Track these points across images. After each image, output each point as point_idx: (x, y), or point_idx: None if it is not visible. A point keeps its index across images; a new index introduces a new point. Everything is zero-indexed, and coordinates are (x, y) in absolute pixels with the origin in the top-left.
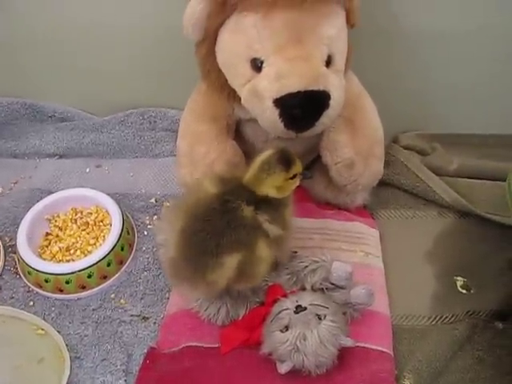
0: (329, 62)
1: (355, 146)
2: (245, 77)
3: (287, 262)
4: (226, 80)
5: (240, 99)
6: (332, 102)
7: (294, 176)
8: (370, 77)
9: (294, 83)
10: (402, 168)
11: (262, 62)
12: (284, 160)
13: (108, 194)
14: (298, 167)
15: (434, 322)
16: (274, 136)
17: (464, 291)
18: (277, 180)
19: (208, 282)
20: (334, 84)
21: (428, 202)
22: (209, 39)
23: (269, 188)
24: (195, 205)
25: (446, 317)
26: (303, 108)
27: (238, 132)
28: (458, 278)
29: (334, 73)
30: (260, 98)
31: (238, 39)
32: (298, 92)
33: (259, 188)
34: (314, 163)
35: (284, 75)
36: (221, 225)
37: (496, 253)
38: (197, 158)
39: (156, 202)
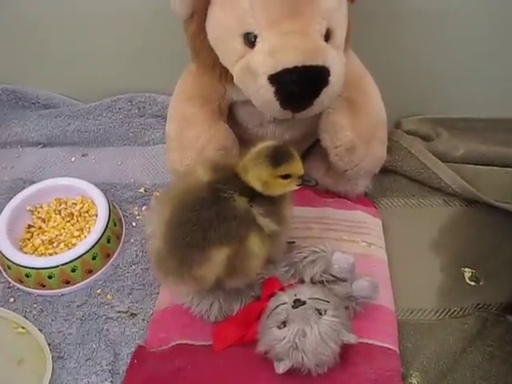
0: (328, 37)
1: (356, 129)
2: (237, 53)
3: (281, 258)
4: (218, 58)
5: (232, 79)
6: (332, 79)
7: (288, 176)
8: (371, 59)
9: (291, 58)
10: (406, 154)
11: (255, 37)
12: (276, 155)
13: (95, 184)
14: (294, 168)
15: (441, 316)
16: (270, 118)
17: (472, 283)
18: (261, 173)
19: (195, 276)
20: (334, 59)
21: (433, 189)
22: (198, 14)
23: (254, 180)
24: (184, 193)
25: (455, 310)
26: (300, 85)
27: (232, 115)
28: (466, 270)
29: (333, 48)
30: (254, 76)
31: (230, 13)
32: (295, 67)
33: (246, 178)
34: (312, 148)
35: (279, 50)
36: (209, 216)
37: (505, 242)
38: (187, 143)
39: (145, 191)
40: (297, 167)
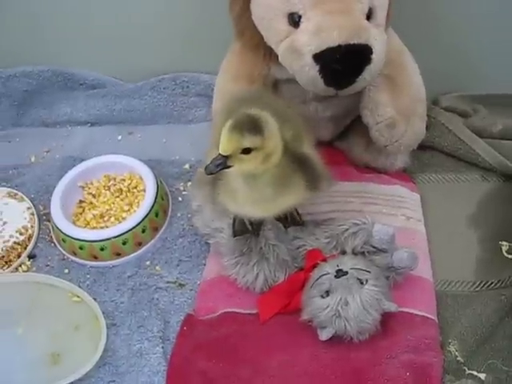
0: (369, 16)
1: (397, 105)
2: (282, 33)
3: None
4: (262, 38)
5: (276, 58)
6: (374, 57)
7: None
8: (409, 36)
9: (334, 37)
10: (443, 130)
11: (299, 17)
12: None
13: (141, 161)
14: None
15: (478, 288)
16: (312, 96)
17: (510, 256)
18: None
19: None
20: (376, 38)
21: (470, 165)
22: None
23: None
24: None
25: (492, 282)
26: (344, 63)
27: (275, 93)
28: (504, 243)
29: (375, 27)
30: (299, 54)
31: None
32: (339, 46)
33: None
34: (353, 124)
35: (323, 29)
36: None
37: None
38: None
39: (190, 168)
40: (224, 142)
